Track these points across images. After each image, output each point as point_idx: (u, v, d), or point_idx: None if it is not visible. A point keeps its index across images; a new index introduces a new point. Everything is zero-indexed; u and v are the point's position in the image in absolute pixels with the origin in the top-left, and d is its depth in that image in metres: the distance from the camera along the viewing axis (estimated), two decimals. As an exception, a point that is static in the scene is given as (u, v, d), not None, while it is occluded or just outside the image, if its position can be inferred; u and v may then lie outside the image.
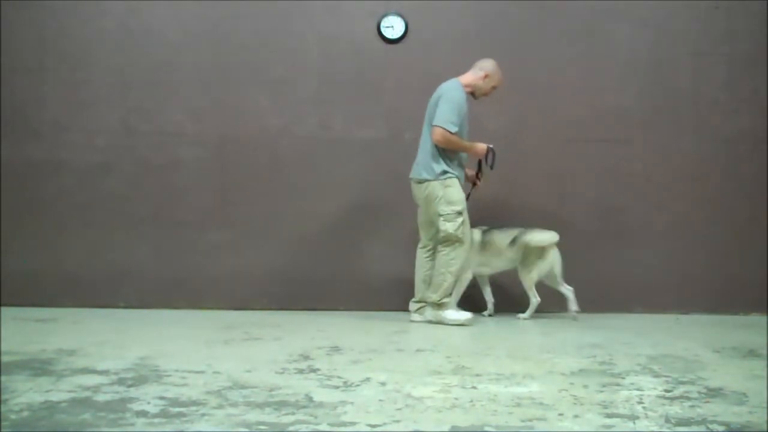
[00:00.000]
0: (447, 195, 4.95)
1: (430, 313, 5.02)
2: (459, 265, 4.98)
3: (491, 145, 5.10)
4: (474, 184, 5.23)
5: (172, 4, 5.74)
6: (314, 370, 3.41)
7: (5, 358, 3.55)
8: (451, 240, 4.94)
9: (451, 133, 4.88)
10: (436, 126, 4.90)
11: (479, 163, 5.19)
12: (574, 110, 5.72)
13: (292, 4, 5.74)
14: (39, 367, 3.39)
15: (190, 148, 5.72)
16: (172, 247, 5.69)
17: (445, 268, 4.96)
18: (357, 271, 5.67)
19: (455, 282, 5.02)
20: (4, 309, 5.25)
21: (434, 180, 4.97)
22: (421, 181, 5.03)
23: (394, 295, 5.55)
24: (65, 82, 5.69)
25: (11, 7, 5.65)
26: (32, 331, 4.58)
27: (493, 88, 5.15)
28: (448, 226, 4.93)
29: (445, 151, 4.97)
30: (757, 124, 5.69)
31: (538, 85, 5.72)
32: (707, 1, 5.73)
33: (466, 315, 4.96)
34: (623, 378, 3.33)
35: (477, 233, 5.23)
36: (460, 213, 4.95)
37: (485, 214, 5.49)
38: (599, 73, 5.77)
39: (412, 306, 5.19)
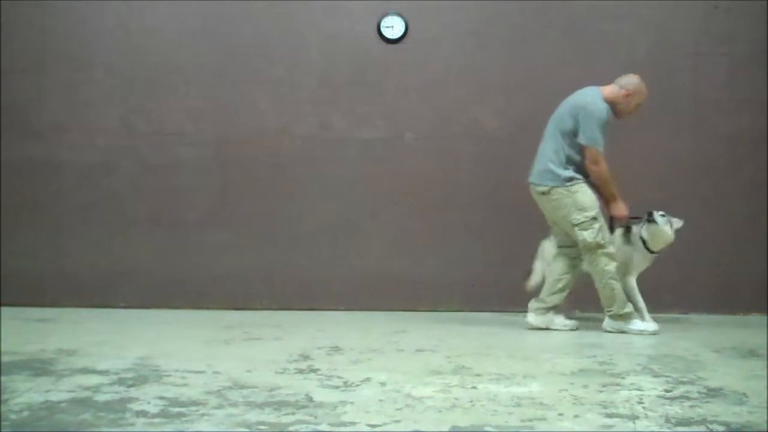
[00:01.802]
0: (577, 202, 4.65)
1: (610, 323, 4.71)
2: (614, 270, 4.67)
3: (628, 215, 4.85)
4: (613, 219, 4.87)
5: (172, 4, 5.74)
6: (314, 370, 3.41)
7: (5, 358, 3.55)
8: (591, 248, 4.65)
9: (601, 154, 4.63)
10: (586, 147, 4.62)
11: (611, 219, 4.85)
12: (574, 110, 5.71)
13: (292, 4, 5.74)
14: (39, 367, 3.39)
15: (190, 148, 5.71)
16: (172, 247, 5.69)
17: (605, 279, 4.66)
18: (357, 271, 5.67)
19: (621, 288, 4.70)
20: (4, 309, 5.25)
21: (559, 187, 4.68)
22: (545, 191, 4.73)
23: (394, 295, 5.56)
24: (65, 82, 5.69)
25: (11, 7, 5.65)
26: (32, 331, 4.58)
27: (637, 106, 4.82)
28: (585, 235, 4.63)
29: (573, 157, 4.69)
30: (757, 124, 5.69)
31: (538, 85, 5.72)
32: (707, 1, 5.72)
33: (653, 326, 4.69)
34: (623, 378, 3.33)
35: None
36: (595, 218, 4.64)
37: (486, 215, 5.49)
38: (599, 73, 5.75)
39: (532, 305, 4.86)
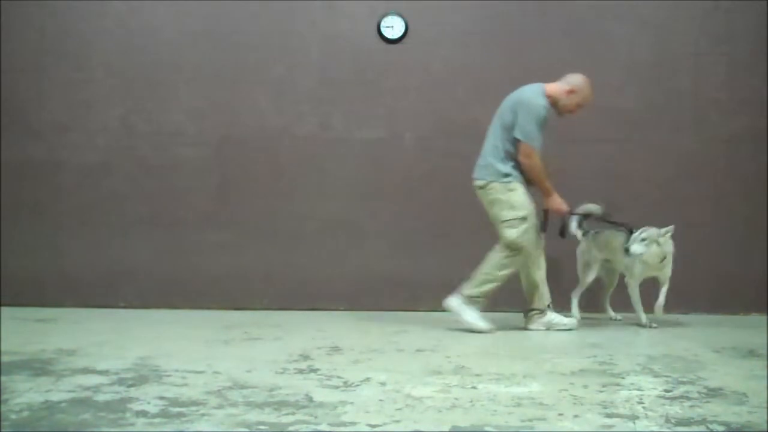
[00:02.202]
0: (510, 199, 4.67)
1: (453, 301, 4.70)
2: (509, 272, 4.69)
3: (569, 209, 4.87)
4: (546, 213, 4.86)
5: (173, 4, 5.74)
6: (314, 370, 3.41)
7: (5, 358, 3.55)
8: (512, 248, 4.66)
9: (534, 149, 4.61)
10: (520, 141, 4.61)
11: (545, 212, 4.86)
12: (574, 110, 5.71)
13: (292, 4, 5.74)
14: (39, 367, 3.39)
15: (190, 148, 5.72)
16: (172, 247, 5.69)
17: (495, 271, 4.68)
18: (357, 271, 5.67)
19: (496, 287, 4.72)
20: (4, 309, 5.25)
21: (496, 182, 4.69)
22: (483, 185, 4.74)
23: (394, 295, 5.56)
24: (65, 82, 5.69)
25: (11, 7, 5.65)
26: (32, 331, 4.58)
27: (578, 106, 4.82)
28: (511, 233, 4.64)
29: (511, 151, 4.68)
30: (757, 124, 5.69)
31: (538, 85, 5.72)
32: (707, 1, 5.73)
33: (486, 325, 4.67)
34: (623, 378, 3.33)
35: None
36: (524, 219, 4.65)
37: (486, 215, 5.48)
38: (599, 73, 5.75)
39: (525, 316, 4.87)
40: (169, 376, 3.24)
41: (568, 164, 5.71)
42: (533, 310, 4.83)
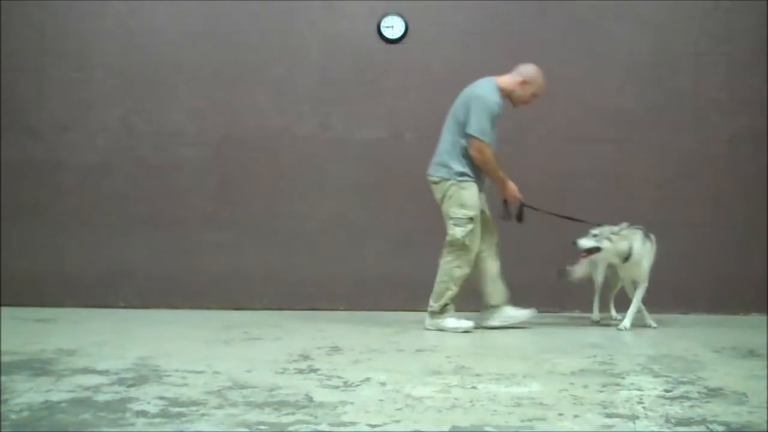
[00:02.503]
0: (462, 198, 4.69)
1: (429, 321, 4.78)
2: (463, 273, 4.72)
3: (521, 198, 4.88)
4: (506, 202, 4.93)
5: (173, 4, 5.74)
6: (314, 370, 3.40)
7: (5, 358, 3.55)
8: (456, 246, 4.70)
9: (487, 145, 4.62)
10: (472, 137, 4.62)
11: (505, 201, 4.94)
12: (574, 110, 5.72)
13: (292, 4, 5.74)
14: (39, 367, 3.39)
15: (190, 148, 5.72)
16: (172, 247, 5.69)
17: (449, 276, 4.72)
18: (357, 271, 5.67)
19: (458, 290, 4.75)
20: (4, 309, 5.25)
21: (450, 180, 4.72)
22: (437, 181, 4.78)
23: (394, 295, 5.56)
24: (65, 82, 5.69)
25: (11, 7, 5.65)
26: (32, 331, 4.58)
27: (533, 95, 4.82)
28: (457, 231, 4.67)
29: (466, 148, 4.68)
30: (757, 124, 5.70)
31: (538, 85, 5.72)
32: (707, 1, 5.73)
33: (467, 323, 4.73)
34: (623, 378, 3.33)
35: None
36: (472, 219, 4.68)
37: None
38: (599, 73, 5.77)
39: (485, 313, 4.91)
40: (169, 376, 3.24)
41: (568, 164, 5.72)
42: (491, 305, 4.88)
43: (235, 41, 5.73)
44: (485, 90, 4.70)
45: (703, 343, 4.31)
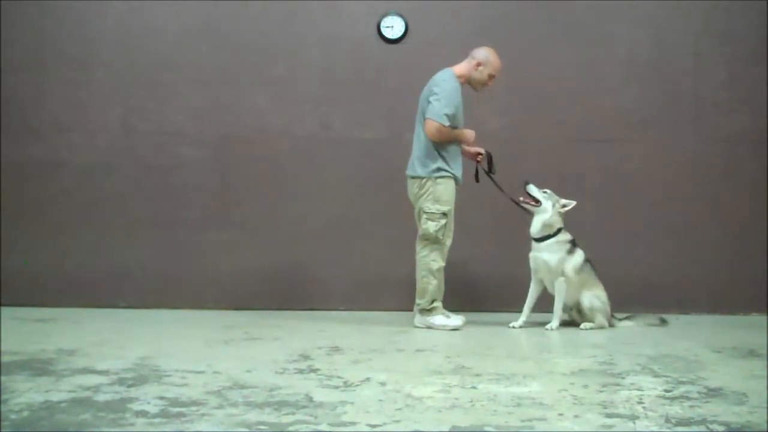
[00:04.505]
0: (436, 193, 4.77)
1: (418, 319, 4.84)
2: (439, 266, 4.78)
3: (486, 150, 5.00)
4: (478, 162, 5.03)
5: (172, 4, 5.74)
6: (314, 370, 3.40)
7: (5, 358, 3.55)
8: (429, 240, 4.77)
9: (444, 126, 4.69)
10: (428, 119, 4.70)
11: (489, 155, 5.05)
12: (575, 110, 5.73)
13: (292, 4, 5.75)
14: (39, 367, 3.39)
15: (190, 148, 5.72)
16: (172, 247, 5.69)
17: (427, 271, 4.78)
18: (357, 271, 5.67)
19: (439, 283, 4.81)
20: (4, 309, 5.25)
21: (427, 177, 4.79)
22: (415, 177, 4.86)
23: (394, 295, 5.55)
24: (65, 82, 5.69)
25: (11, 7, 5.65)
26: (32, 331, 4.58)
27: (491, 77, 4.89)
28: (430, 225, 4.75)
29: (442, 147, 4.77)
30: (757, 124, 5.70)
31: (538, 85, 5.72)
32: (707, 1, 5.73)
33: (456, 321, 4.78)
34: (623, 378, 3.33)
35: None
36: (445, 214, 4.76)
37: (485, 214, 5.49)
38: (599, 73, 5.77)
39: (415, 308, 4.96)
40: (169, 376, 3.24)
41: (568, 164, 5.72)
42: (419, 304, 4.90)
43: (235, 41, 5.73)
44: (442, 79, 4.81)
45: (703, 343, 4.31)
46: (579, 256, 4.96)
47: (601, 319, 4.92)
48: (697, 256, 5.67)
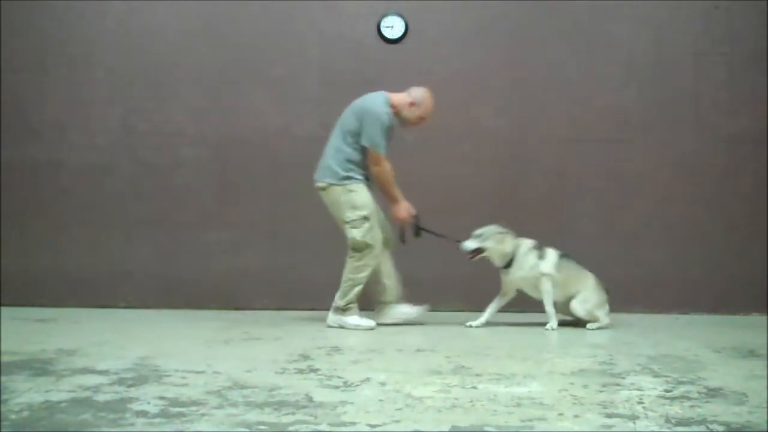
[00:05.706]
0: (351, 200, 4.76)
1: (331, 317, 4.86)
2: (368, 272, 4.81)
3: (415, 213, 4.93)
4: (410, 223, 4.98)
5: (172, 4, 5.74)
6: (314, 370, 3.40)
7: (5, 358, 3.55)
8: (359, 247, 4.77)
9: (383, 157, 4.73)
10: (369, 150, 4.72)
11: (401, 227, 4.99)
12: (574, 110, 5.73)
13: (292, 4, 5.75)
14: (39, 367, 3.39)
15: (190, 148, 5.72)
16: (172, 247, 5.69)
17: (354, 275, 4.80)
18: (357, 271, 5.66)
19: (362, 289, 4.84)
20: (4, 309, 5.25)
21: (337, 185, 4.79)
22: (324, 187, 4.84)
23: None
24: (65, 82, 5.70)
25: (11, 7, 5.66)
26: (32, 331, 4.58)
27: (420, 118, 4.90)
28: (354, 233, 4.75)
29: (351, 155, 4.79)
30: (757, 124, 5.69)
31: (538, 85, 5.72)
32: (707, 1, 5.73)
33: (369, 322, 4.81)
34: (623, 378, 3.33)
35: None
36: (366, 218, 4.75)
37: (485, 214, 5.49)
38: (599, 73, 5.77)
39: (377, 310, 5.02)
40: (169, 376, 3.24)
41: (568, 164, 5.72)
42: (382, 302, 4.96)
43: (235, 41, 5.73)
44: (376, 104, 4.80)
45: (703, 343, 4.31)
46: (551, 254, 4.93)
47: (601, 315, 4.92)
48: (697, 256, 5.67)
